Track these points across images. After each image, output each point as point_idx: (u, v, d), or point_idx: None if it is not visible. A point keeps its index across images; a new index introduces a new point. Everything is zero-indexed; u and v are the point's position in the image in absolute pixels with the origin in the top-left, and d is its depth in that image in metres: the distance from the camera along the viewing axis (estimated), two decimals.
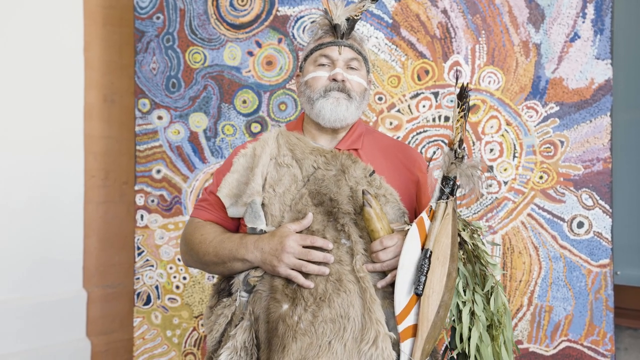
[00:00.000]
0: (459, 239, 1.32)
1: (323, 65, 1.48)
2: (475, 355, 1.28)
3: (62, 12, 2.76)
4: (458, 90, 1.32)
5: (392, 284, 1.33)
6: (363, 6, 1.49)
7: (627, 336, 2.47)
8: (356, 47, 1.50)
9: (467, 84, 1.34)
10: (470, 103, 2.26)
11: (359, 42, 1.54)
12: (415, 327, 1.26)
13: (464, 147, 1.33)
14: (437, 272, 1.26)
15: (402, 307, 1.27)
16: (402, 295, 1.27)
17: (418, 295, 1.25)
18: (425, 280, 1.25)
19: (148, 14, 2.56)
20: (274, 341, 1.33)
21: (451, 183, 1.31)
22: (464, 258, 1.33)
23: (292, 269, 1.33)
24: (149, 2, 2.56)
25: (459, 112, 1.30)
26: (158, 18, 2.56)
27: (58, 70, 2.74)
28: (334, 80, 1.46)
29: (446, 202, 1.30)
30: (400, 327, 1.27)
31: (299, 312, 1.31)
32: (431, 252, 1.27)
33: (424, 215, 1.31)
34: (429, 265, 1.26)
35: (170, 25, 2.54)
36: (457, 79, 1.38)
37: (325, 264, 1.33)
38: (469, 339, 1.27)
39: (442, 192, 1.31)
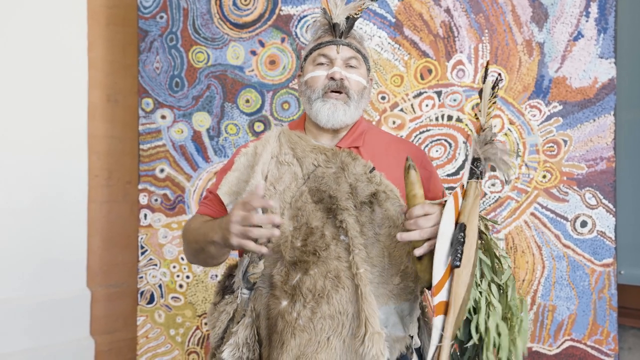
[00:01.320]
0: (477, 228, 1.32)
1: (322, 64, 1.49)
2: (491, 347, 1.27)
3: (66, 12, 2.77)
4: (490, 78, 1.31)
5: (390, 283, 1.31)
6: (363, 5, 1.49)
7: (630, 336, 2.46)
8: (355, 46, 1.51)
9: (499, 74, 1.33)
10: (473, 102, 2.27)
11: (359, 41, 1.54)
12: (446, 305, 1.24)
13: (495, 132, 1.32)
14: (467, 251, 1.24)
15: (439, 277, 1.24)
16: (440, 265, 1.24)
17: (456, 267, 1.22)
18: (462, 252, 1.23)
19: (151, 14, 2.57)
20: (274, 337, 1.34)
21: (481, 166, 1.29)
22: (483, 247, 1.33)
23: (243, 239, 1.27)
24: (152, 1, 2.56)
25: (490, 98, 1.29)
26: (161, 17, 2.56)
27: (61, 70, 2.75)
28: (332, 79, 1.46)
29: (476, 182, 1.29)
30: (435, 300, 1.24)
31: (298, 309, 1.32)
32: (466, 226, 1.25)
33: (458, 190, 1.29)
34: (464, 238, 1.24)
35: (173, 25, 2.55)
36: (487, 67, 1.37)
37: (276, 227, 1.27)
38: (486, 329, 1.26)
39: (472, 172, 1.30)
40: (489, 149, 1.28)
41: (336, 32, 1.49)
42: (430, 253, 1.26)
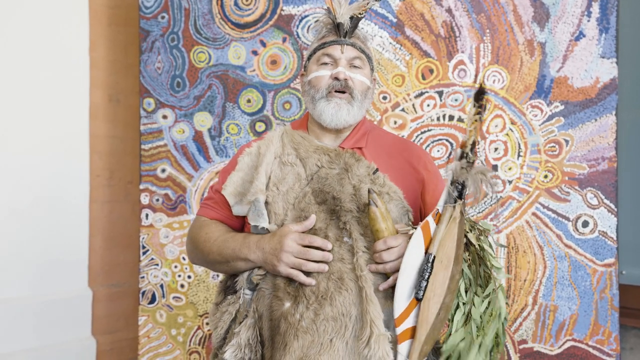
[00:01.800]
0: (465, 240, 1.32)
1: (326, 64, 1.48)
2: (456, 357, 1.28)
3: (67, 12, 2.77)
4: (474, 91, 1.31)
5: (393, 287, 1.33)
6: (367, 4, 1.49)
7: (632, 336, 2.46)
8: (359, 46, 1.50)
9: (482, 85, 1.33)
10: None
11: (363, 41, 1.54)
12: (413, 329, 1.26)
13: (476, 152, 1.31)
14: (439, 276, 1.25)
15: (401, 310, 1.26)
16: (402, 299, 1.27)
17: (418, 300, 1.25)
18: (426, 285, 1.25)
19: (153, 14, 2.57)
20: (277, 339, 1.33)
21: (460, 187, 1.30)
22: (469, 259, 1.33)
23: (293, 268, 1.33)
24: (154, 1, 2.56)
25: (474, 115, 1.28)
26: (163, 17, 2.56)
27: (63, 70, 2.75)
28: (336, 79, 1.46)
29: (453, 206, 1.29)
30: (399, 330, 1.27)
31: (301, 310, 1.32)
32: (434, 257, 1.26)
33: (429, 218, 1.30)
34: (431, 270, 1.26)
35: (175, 25, 2.55)
36: (476, 77, 1.37)
37: (325, 262, 1.34)
38: (448, 338, 1.28)
39: (449, 195, 1.30)
40: (463, 172, 1.28)
41: (340, 31, 1.49)
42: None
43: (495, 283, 1.31)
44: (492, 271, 1.33)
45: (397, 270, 1.30)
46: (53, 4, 2.71)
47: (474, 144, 1.29)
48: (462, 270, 1.30)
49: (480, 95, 1.28)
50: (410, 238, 1.30)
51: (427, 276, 1.25)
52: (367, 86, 1.50)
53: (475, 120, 1.28)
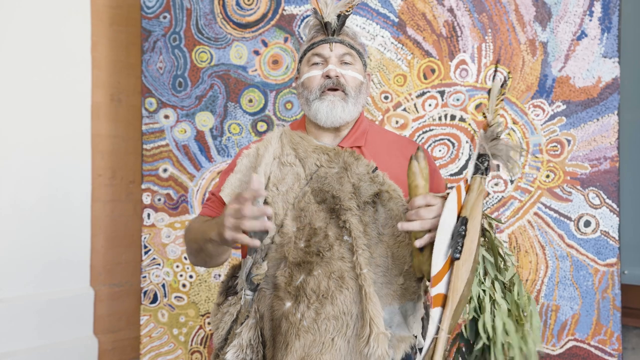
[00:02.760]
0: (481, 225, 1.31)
1: (316, 64, 1.49)
2: (501, 344, 1.26)
3: (69, 12, 2.77)
4: (499, 76, 1.31)
5: (393, 283, 1.31)
6: (352, 1, 1.49)
7: (634, 336, 2.46)
8: (348, 42, 1.50)
9: (509, 72, 1.34)
10: (476, 102, 2.27)
11: (352, 37, 1.54)
12: (445, 298, 1.24)
13: (502, 129, 1.32)
14: (468, 245, 1.23)
15: (438, 269, 1.23)
16: (440, 257, 1.24)
17: (456, 259, 1.22)
18: (462, 245, 1.22)
19: (155, 14, 2.57)
20: (278, 339, 1.33)
21: (486, 162, 1.29)
22: (486, 244, 1.33)
23: (236, 232, 1.26)
24: (156, 1, 2.57)
25: (498, 95, 1.29)
26: (165, 17, 2.57)
27: (65, 69, 2.76)
28: (328, 77, 1.46)
29: (481, 178, 1.28)
30: (433, 291, 1.24)
31: (302, 310, 1.32)
32: (468, 220, 1.25)
33: (462, 184, 1.29)
34: (466, 232, 1.24)
35: (176, 25, 2.55)
36: (497, 61, 1.38)
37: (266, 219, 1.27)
38: (493, 328, 1.26)
39: (477, 167, 1.29)
40: (496, 144, 1.28)
41: (328, 30, 1.49)
42: (431, 245, 1.26)
43: (514, 268, 1.31)
44: (505, 258, 1.33)
45: (431, 230, 1.26)
46: (55, 4, 2.71)
47: (498, 123, 1.29)
48: (482, 254, 1.30)
49: (504, 77, 1.29)
50: (446, 199, 1.27)
51: (463, 237, 1.23)
52: (360, 81, 1.50)
53: (501, 100, 1.29)
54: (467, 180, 1.30)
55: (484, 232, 1.31)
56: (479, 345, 1.27)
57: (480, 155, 1.29)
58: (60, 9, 2.74)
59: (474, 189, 1.28)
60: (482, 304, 1.27)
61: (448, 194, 1.28)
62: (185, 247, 1.57)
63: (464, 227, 1.23)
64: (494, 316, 1.26)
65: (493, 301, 1.28)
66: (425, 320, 1.46)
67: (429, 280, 1.29)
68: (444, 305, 1.23)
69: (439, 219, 1.25)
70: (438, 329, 1.21)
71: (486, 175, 1.29)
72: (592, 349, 2.17)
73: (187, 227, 1.56)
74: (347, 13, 1.50)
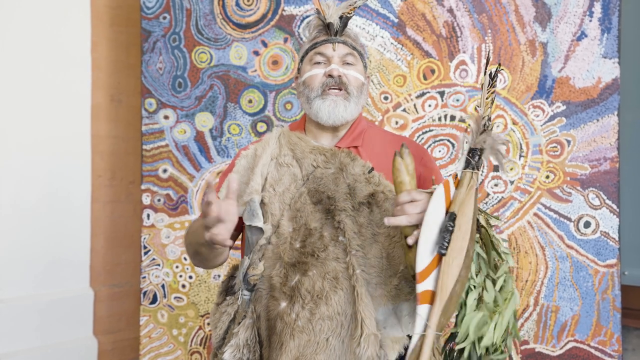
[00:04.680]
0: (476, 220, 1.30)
1: (319, 63, 1.49)
2: (474, 341, 1.25)
3: (69, 13, 2.77)
4: (490, 69, 1.30)
5: (387, 284, 1.31)
6: (355, 3, 1.50)
7: (634, 337, 2.45)
8: (350, 43, 1.51)
9: (499, 64, 1.33)
10: (476, 103, 2.26)
11: (354, 38, 1.55)
12: (432, 294, 1.22)
13: (492, 123, 1.30)
14: (458, 243, 1.21)
15: (425, 265, 1.22)
16: (426, 254, 1.22)
17: (442, 255, 1.21)
18: (449, 241, 1.21)
19: (154, 14, 2.57)
20: (273, 338, 1.34)
21: (477, 157, 1.28)
22: (480, 241, 1.32)
23: (207, 230, 1.29)
24: (156, 2, 2.57)
25: (489, 88, 1.28)
26: (164, 18, 2.57)
27: (65, 70, 2.76)
28: (330, 76, 1.46)
29: (472, 173, 1.27)
30: (420, 288, 1.22)
31: (297, 310, 1.32)
32: (456, 215, 1.23)
33: (450, 180, 1.28)
34: (453, 228, 1.22)
35: (176, 25, 2.55)
36: (487, 60, 1.37)
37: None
38: (462, 320, 1.24)
39: (468, 162, 1.28)
40: (483, 137, 1.27)
41: (331, 31, 1.50)
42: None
43: (506, 266, 1.30)
44: (502, 256, 1.32)
45: (417, 225, 1.25)
46: (54, 4, 2.72)
47: (489, 116, 1.28)
48: (475, 250, 1.28)
49: (494, 70, 1.28)
50: (432, 195, 1.26)
51: (450, 232, 1.21)
52: (361, 82, 1.51)
53: (491, 93, 1.27)
54: (456, 176, 1.28)
55: (479, 228, 1.30)
56: (457, 339, 1.25)
57: (471, 150, 1.28)
58: (60, 9, 2.74)
59: (464, 184, 1.26)
60: (464, 301, 1.25)
61: (435, 189, 1.26)
62: (187, 250, 1.59)
63: (451, 223, 1.21)
64: (476, 311, 1.25)
65: (480, 297, 1.26)
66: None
67: (413, 278, 1.27)
68: (432, 302, 1.21)
69: (423, 215, 1.23)
70: (425, 326, 1.20)
71: (477, 169, 1.27)
72: (592, 350, 2.17)
73: (187, 229, 1.58)
74: (349, 15, 1.51)
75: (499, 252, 1.31)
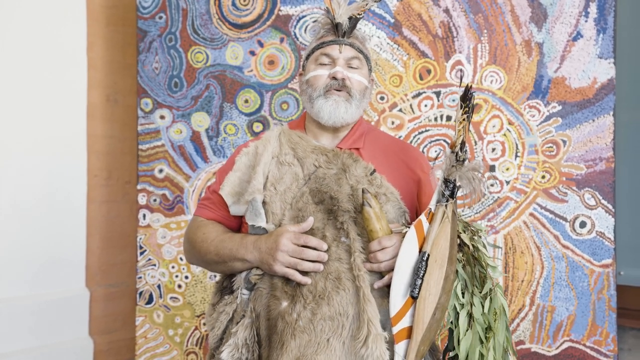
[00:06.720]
0: (458, 241, 1.32)
1: (324, 64, 1.49)
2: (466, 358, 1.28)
3: (65, 12, 2.76)
4: (462, 91, 1.31)
5: (388, 286, 1.33)
6: (366, 5, 1.49)
7: (630, 337, 2.46)
8: (357, 46, 1.51)
9: (470, 85, 1.33)
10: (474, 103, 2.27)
11: (361, 41, 1.54)
12: (410, 329, 1.26)
13: (466, 150, 1.31)
14: (434, 275, 1.25)
15: (398, 309, 1.27)
16: (398, 297, 1.27)
17: (414, 298, 1.26)
18: (421, 283, 1.25)
19: (150, 14, 2.57)
20: (274, 338, 1.33)
21: (451, 186, 1.30)
22: (463, 260, 1.33)
23: (288, 267, 1.34)
24: (152, 1, 2.56)
25: (462, 114, 1.29)
26: (160, 18, 2.56)
27: (61, 70, 2.75)
28: (334, 78, 1.46)
29: (445, 205, 1.29)
30: (395, 329, 1.27)
31: (298, 310, 1.32)
32: (429, 255, 1.27)
33: (422, 217, 1.31)
34: (426, 268, 1.26)
35: (172, 25, 2.55)
36: (461, 79, 1.38)
37: (320, 262, 1.34)
38: (459, 342, 1.27)
39: (442, 195, 1.31)
40: (456, 168, 1.28)
41: (339, 31, 1.49)
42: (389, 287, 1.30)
43: (492, 282, 1.31)
44: (488, 270, 1.33)
45: (392, 270, 1.30)
46: (50, 4, 2.71)
47: (463, 143, 1.29)
48: (457, 271, 1.30)
49: (467, 94, 1.28)
50: (404, 237, 1.30)
51: (421, 274, 1.25)
52: (364, 86, 1.51)
53: (464, 119, 1.28)
54: (430, 210, 1.31)
55: (461, 248, 1.33)
56: (452, 354, 1.30)
57: (445, 180, 1.30)
58: (56, 9, 2.73)
59: (437, 219, 1.30)
60: (456, 322, 1.29)
61: (406, 232, 1.31)
62: (188, 250, 1.55)
63: (423, 264, 1.27)
64: (467, 331, 1.28)
65: (469, 315, 1.29)
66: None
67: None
68: (410, 337, 1.26)
69: (395, 260, 1.29)
70: None
71: (453, 199, 1.31)
72: (588, 350, 2.17)
73: (193, 231, 1.53)
74: (358, 16, 1.50)
75: (483, 266, 1.32)
